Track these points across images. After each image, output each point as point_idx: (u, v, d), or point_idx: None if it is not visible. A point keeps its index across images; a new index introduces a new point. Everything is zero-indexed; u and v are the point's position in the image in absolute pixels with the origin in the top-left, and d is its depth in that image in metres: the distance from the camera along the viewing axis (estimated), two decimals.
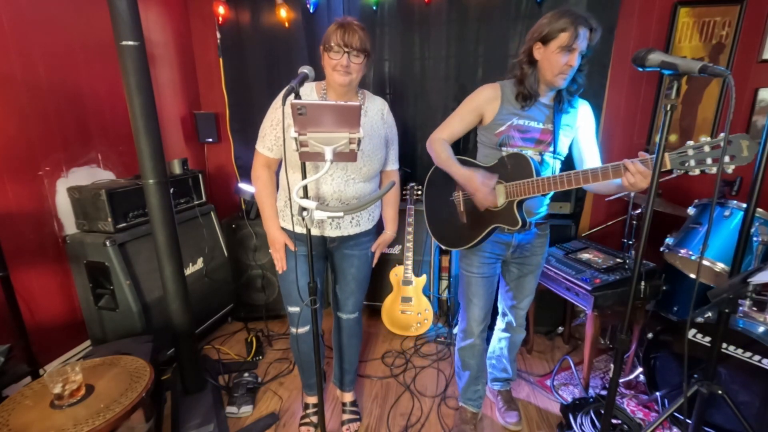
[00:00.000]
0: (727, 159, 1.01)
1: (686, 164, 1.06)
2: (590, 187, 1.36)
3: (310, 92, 1.44)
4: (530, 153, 1.43)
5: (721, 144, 1.00)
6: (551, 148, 1.44)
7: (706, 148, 1.03)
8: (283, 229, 1.52)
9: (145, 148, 1.52)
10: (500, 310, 1.81)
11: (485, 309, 1.63)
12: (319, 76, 1.41)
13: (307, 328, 1.62)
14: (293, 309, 1.59)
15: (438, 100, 2.59)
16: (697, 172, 1.06)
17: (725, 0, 2.15)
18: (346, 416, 1.83)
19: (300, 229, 1.49)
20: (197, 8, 2.77)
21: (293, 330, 1.63)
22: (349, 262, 1.61)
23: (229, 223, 2.58)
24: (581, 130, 1.48)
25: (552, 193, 1.40)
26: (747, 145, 0.98)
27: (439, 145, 1.51)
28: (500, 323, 1.83)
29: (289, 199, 1.45)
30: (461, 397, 1.81)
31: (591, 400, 1.80)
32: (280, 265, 1.53)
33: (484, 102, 1.45)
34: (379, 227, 1.68)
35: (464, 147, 2.35)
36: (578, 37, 1.27)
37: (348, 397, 1.88)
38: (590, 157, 1.48)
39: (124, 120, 2.26)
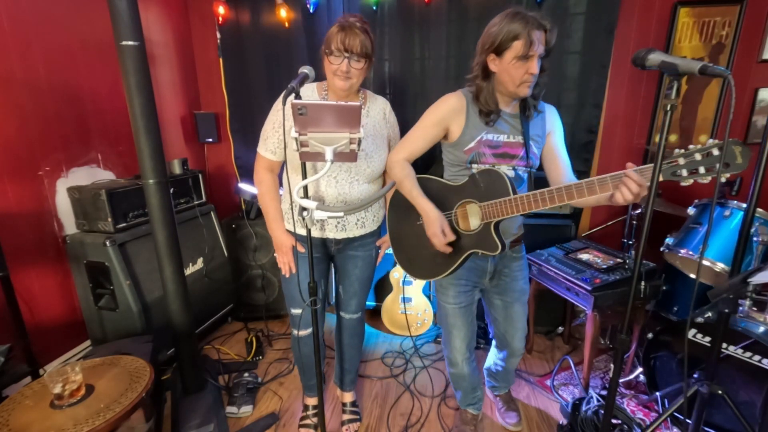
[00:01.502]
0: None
1: (678, 175, 1.01)
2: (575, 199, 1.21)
3: (311, 93, 1.44)
4: (504, 168, 1.34)
5: (713, 151, 0.96)
6: (523, 161, 1.35)
7: (698, 156, 0.99)
8: (288, 232, 1.51)
9: (145, 148, 1.52)
10: (495, 343, 1.74)
11: (467, 339, 1.56)
12: (320, 76, 1.40)
13: (308, 330, 1.62)
14: (296, 311, 1.59)
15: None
16: (690, 181, 1.01)
17: (725, 0, 2.15)
18: (346, 416, 1.83)
19: (304, 231, 1.48)
20: (197, 8, 2.77)
21: (295, 332, 1.63)
22: (353, 263, 1.61)
23: (229, 223, 2.58)
24: (550, 137, 1.39)
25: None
26: (740, 151, 0.94)
27: (399, 170, 1.40)
28: (497, 352, 1.76)
29: (290, 201, 1.45)
30: (460, 402, 1.80)
31: (591, 401, 1.80)
32: (287, 269, 1.51)
33: (450, 113, 1.34)
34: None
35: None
36: (533, 43, 1.16)
37: (348, 397, 1.88)
38: (561, 163, 1.38)
39: (124, 120, 2.26)
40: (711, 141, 0.97)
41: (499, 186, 1.27)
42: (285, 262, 1.51)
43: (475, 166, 1.35)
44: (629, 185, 1.05)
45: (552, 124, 1.40)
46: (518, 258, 1.52)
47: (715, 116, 2.31)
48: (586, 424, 1.67)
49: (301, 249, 1.50)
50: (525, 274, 1.55)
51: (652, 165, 1.00)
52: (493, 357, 1.83)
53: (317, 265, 1.52)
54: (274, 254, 1.55)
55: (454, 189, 1.39)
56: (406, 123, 2.64)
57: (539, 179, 1.43)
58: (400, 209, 1.51)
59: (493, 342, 1.78)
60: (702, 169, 0.99)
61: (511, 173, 1.36)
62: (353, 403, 1.88)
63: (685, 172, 1.01)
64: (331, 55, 1.31)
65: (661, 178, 1.02)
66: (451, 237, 1.32)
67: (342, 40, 1.28)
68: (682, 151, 1.01)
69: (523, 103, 1.35)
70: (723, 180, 0.97)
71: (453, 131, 1.35)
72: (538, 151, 1.39)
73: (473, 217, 1.35)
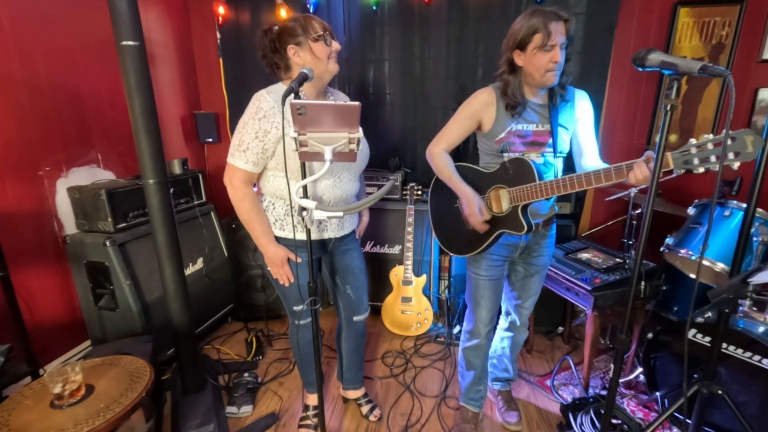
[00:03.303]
0: (731, 156, 0.99)
1: (690, 163, 1.05)
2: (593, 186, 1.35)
3: (282, 91, 1.39)
4: (532, 156, 1.42)
5: (726, 141, 0.98)
6: (551, 149, 1.44)
7: (710, 146, 1.02)
8: (282, 239, 1.47)
9: (145, 148, 1.52)
10: (503, 309, 1.81)
11: (492, 311, 1.63)
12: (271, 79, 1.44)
13: (308, 319, 1.62)
14: (299, 307, 1.58)
15: (438, 101, 2.59)
16: (701, 170, 1.04)
17: (725, 0, 2.15)
18: (365, 408, 1.87)
19: (302, 235, 1.46)
20: (197, 8, 2.77)
21: (297, 322, 1.62)
22: (350, 255, 1.64)
23: (229, 223, 2.58)
24: (580, 122, 1.47)
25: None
26: (751, 140, 0.96)
27: (439, 159, 1.51)
28: (503, 322, 1.83)
29: (291, 206, 1.44)
30: (463, 396, 1.81)
31: (591, 400, 1.80)
32: (285, 279, 1.49)
33: (481, 107, 1.44)
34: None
35: (464, 149, 2.36)
36: (551, 34, 1.25)
37: (360, 392, 1.91)
38: (588, 149, 1.47)
39: (124, 120, 2.26)
40: (725, 132, 0.99)
41: (526, 173, 1.37)
42: (283, 274, 1.48)
43: (506, 154, 1.45)
44: (642, 169, 1.12)
45: (583, 111, 1.47)
46: (548, 236, 1.62)
47: (715, 116, 2.31)
48: (586, 424, 1.67)
49: (296, 259, 1.47)
50: (551, 250, 1.65)
51: (667, 153, 1.05)
52: (499, 334, 1.86)
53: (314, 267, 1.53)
54: (267, 269, 1.51)
55: (487, 175, 1.49)
56: (406, 123, 2.67)
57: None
58: (439, 194, 1.65)
59: (501, 315, 1.83)
60: (713, 158, 1.02)
61: (540, 160, 1.44)
62: (365, 395, 1.92)
63: (696, 161, 1.04)
64: (321, 40, 1.31)
65: (671, 166, 1.07)
66: (488, 216, 1.42)
67: (320, 23, 1.31)
68: (695, 141, 1.04)
69: (551, 92, 1.42)
70: (735, 167, 1.00)
71: (485, 123, 1.45)
72: (568, 137, 1.47)
73: (504, 201, 1.45)
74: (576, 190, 1.27)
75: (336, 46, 1.34)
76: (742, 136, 0.98)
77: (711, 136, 1.02)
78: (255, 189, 1.52)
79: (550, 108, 1.42)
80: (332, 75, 1.39)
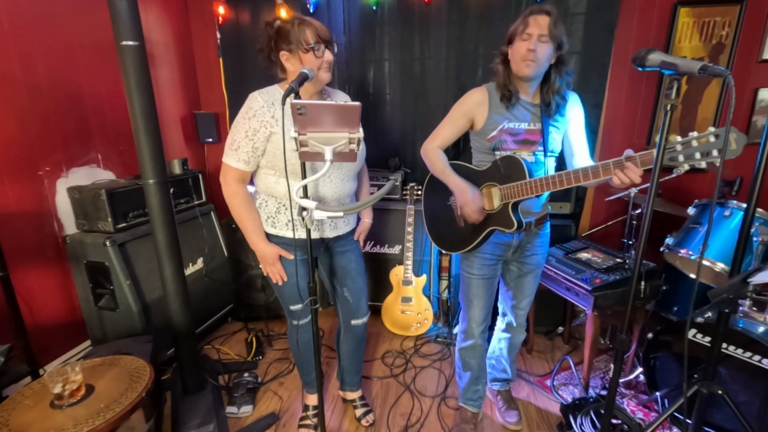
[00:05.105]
0: (715, 153, 1.00)
1: (675, 160, 1.06)
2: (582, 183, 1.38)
3: (278, 94, 1.39)
4: (524, 154, 1.44)
5: (710, 138, 1.00)
6: (542, 147, 1.45)
7: (694, 143, 1.03)
8: (273, 236, 1.48)
9: (145, 148, 1.52)
10: (500, 311, 1.81)
11: (486, 310, 1.64)
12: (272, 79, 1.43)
13: (307, 319, 1.62)
14: (294, 307, 1.58)
15: (438, 100, 2.59)
16: (686, 167, 1.06)
17: (725, 0, 2.15)
18: (359, 411, 1.85)
19: (300, 234, 1.47)
20: (197, 8, 2.77)
21: (294, 322, 1.63)
22: (347, 258, 1.63)
23: (229, 223, 2.58)
24: (571, 124, 1.49)
25: (548, 193, 1.41)
26: (734, 138, 0.97)
27: (433, 155, 1.54)
28: (500, 324, 1.83)
29: (289, 205, 1.44)
30: (461, 397, 1.81)
31: (591, 400, 1.80)
32: (278, 278, 1.50)
33: (473, 106, 1.47)
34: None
35: (464, 148, 2.36)
36: (528, 24, 1.32)
37: (357, 394, 1.90)
38: (579, 151, 1.49)
39: (124, 120, 2.26)
40: (710, 129, 1.01)
41: (517, 170, 1.39)
42: (275, 272, 1.49)
43: (498, 152, 1.47)
44: (626, 173, 1.15)
45: (572, 113, 1.49)
46: (541, 235, 1.62)
47: (715, 116, 2.31)
48: (586, 424, 1.67)
49: (288, 255, 1.47)
50: (544, 250, 1.65)
51: (649, 151, 1.08)
52: (496, 335, 1.87)
53: (306, 266, 1.53)
54: (259, 266, 1.53)
55: (479, 173, 1.51)
56: (405, 123, 2.68)
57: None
58: (433, 192, 1.67)
59: (499, 317, 1.84)
60: (697, 155, 1.03)
61: (531, 158, 1.46)
62: (362, 397, 1.91)
63: (681, 158, 1.05)
64: (314, 50, 1.29)
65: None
66: (481, 203, 1.44)
67: (315, 33, 1.29)
68: (680, 138, 1.06)
69: (543, 93, 1.44)
70: (717, 164, 1.00)
71: (477, 121, 1.48)
72: (559, 137, 1.49)
73: (495, 198, 1.47)
74: (565, 186, 1.29)
75: (328, 56, 1.32)
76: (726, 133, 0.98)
77: (696, 134, 1.03)
78: (253, 188, 1.54)
79: (542, 108, 1.45)
80: (323, 83, 1.39)
